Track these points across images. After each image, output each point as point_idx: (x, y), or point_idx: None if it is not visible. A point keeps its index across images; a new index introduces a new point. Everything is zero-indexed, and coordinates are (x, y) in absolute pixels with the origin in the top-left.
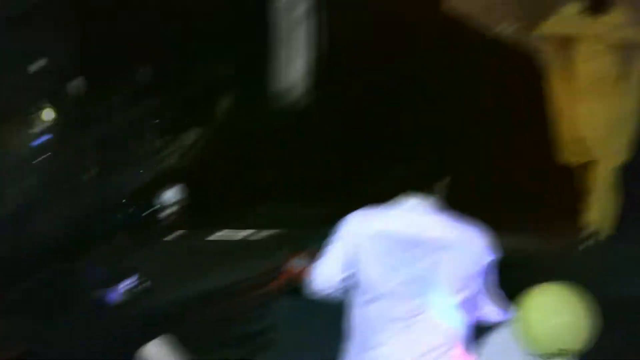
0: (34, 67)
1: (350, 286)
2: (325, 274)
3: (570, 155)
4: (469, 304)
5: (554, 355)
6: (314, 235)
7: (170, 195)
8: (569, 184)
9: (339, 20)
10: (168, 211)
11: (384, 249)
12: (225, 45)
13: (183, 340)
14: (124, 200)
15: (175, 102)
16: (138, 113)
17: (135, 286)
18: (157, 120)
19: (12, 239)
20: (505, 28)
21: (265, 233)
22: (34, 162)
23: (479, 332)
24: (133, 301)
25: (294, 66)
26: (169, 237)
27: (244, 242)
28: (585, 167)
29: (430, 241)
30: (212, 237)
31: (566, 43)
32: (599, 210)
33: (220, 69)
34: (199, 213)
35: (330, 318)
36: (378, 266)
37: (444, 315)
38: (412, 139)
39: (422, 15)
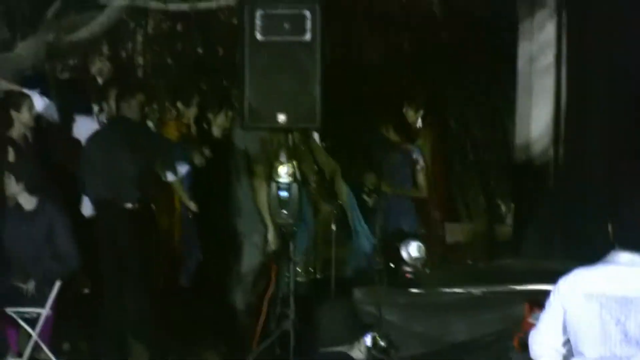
0: None
1: (569, 350)
2: (541, 339)
3: None
4: None
5: None
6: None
7: (413, 250)
8: None
9: (586, 71)
10: (410, 265)
11: (596, 311)
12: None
13: None
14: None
15: None
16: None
17: (380, 339)
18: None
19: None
20: None
21: (503, 288)
22: None
23: None
24: (376, 354)
25: (538, 116)
26: (410, 290)
27: (483, 297)
28: None
29: None
30: (451, 292)
31: None
32: None
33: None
34: (439, 268)
35: None
36: (592, 329)
37: None
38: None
39: None
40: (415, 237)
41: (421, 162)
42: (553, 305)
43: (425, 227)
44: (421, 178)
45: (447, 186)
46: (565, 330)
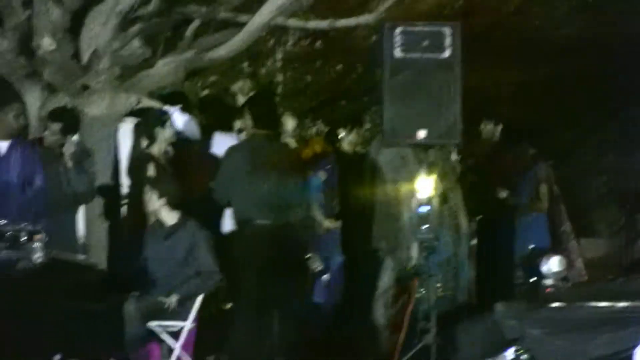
0: None
1: None
2: None
3: None
4: None
5: None
6: None
7: (554, 264)
8: None
9: None
10: (551, 279)
11: None
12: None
13: None
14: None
15: None
16: None
17: (522, 353)
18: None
19: None
20: None
21: None
22: None
23: None
24: None
25: None
26: (552, 305)
27: (623, 311)
28: None
29: None
30: (592, 306)
31: None
32: None
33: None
34: (580, 283)
35: None
36: None
37: None
38: None
39: None
40: (555, 251)
41: (544, 177)
42: None
43: (557, 241)
44: (543, 192)
45: (577, 201)
46: None
